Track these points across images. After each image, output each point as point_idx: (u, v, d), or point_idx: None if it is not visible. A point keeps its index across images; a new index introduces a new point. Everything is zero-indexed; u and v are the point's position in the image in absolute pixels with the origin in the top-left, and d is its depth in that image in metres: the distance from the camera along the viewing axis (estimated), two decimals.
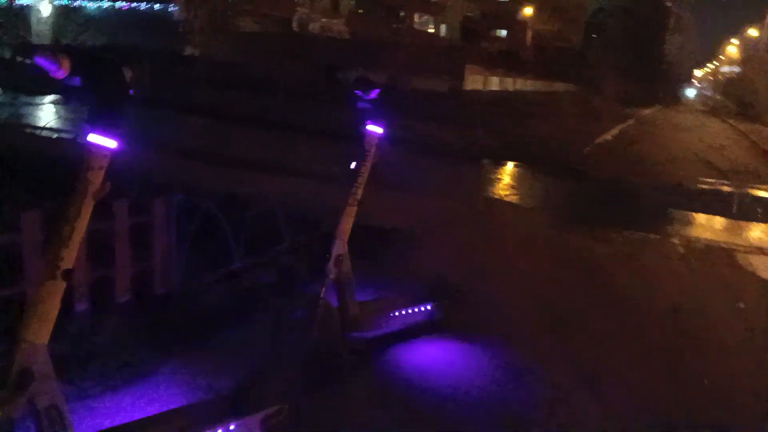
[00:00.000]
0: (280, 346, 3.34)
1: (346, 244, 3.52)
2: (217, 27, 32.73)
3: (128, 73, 1.91)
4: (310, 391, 2.86)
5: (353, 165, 3.50)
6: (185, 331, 3.71)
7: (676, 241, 7.37)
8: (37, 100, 15.64)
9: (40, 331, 1.92)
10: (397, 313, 3.82)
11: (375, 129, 3.47)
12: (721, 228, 8.98)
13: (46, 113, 14.29)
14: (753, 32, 53.61)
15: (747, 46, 55.97)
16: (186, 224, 4.29)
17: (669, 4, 65.52)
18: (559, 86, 51.48)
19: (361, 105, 3.41)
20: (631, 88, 47.75)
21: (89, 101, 1.90)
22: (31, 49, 1.77)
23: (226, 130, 14.06)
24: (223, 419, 2.44)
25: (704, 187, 12.41)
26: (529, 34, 60.15)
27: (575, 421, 3.14)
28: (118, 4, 33.28)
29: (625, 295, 5.14)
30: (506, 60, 44.15)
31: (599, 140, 18.30)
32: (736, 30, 66.51)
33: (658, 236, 7.62)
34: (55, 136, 10.71)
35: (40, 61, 1.75)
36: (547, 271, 5.66)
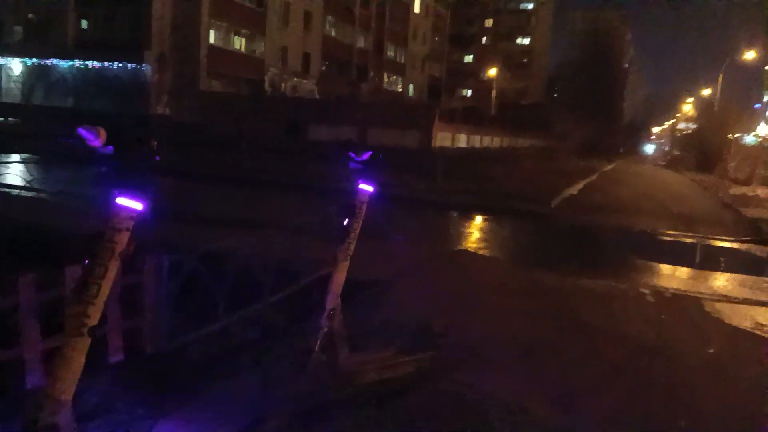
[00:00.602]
0: (275, 398, 3.43)
1: (339, 298, 3.65)
2: (187, 88, 33.28)
3: (154, 143, 2.08)
4: None
5: (345, 222, 3.68)
6: (178, 388, 3.75)
7: (645, 290, 7.63)
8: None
9: (65, 387, 2.01)
10: (387, 365, 3.93)
11: (366, 187, 3.67)
12: (686, 277, 9.33)
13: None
14: (707, 91, 56.45)
15: (702, 103, 58.79)
16: (169, 282, 4.37)
17: (626, 65, 68.82)
18: (524, 142, 53.10)
19: (353, 165, 3.62)
20: (592, 143, 49.58)
21: (117, 168, 2.05)
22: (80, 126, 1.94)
23: (193, 188, 14.18)
24: None
25: (668, 238, 12.89)
26: (494, 92, 62.24)
27: None
28: (89, 63, 33.52)
29: (597, 338, 5.35)
30: (472, 117, 45.51)
31: (565, 194, 18.87)
32: (692, 89, 69.88)
33: (627, 284, 7.91)
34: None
35: (83, 131, 1.91)
36: (524, 310, 5.93)
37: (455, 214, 13.66)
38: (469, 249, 10.03)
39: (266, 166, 19.06)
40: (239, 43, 38.55)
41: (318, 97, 44.76)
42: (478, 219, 13.53)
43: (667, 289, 7.90)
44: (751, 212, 16.53)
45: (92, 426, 3.16)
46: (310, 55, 45.33)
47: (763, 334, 5.95)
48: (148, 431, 3.18)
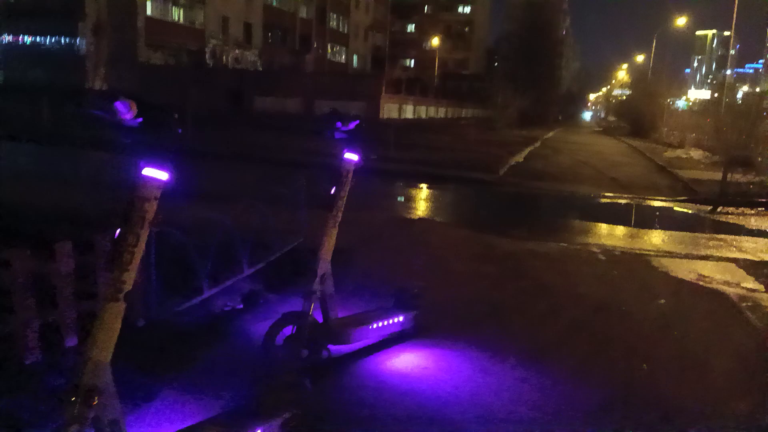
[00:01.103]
0: (278, 358, 3.61)
1: (329, 264, 3.82)
2: (125, 60, 32.11)
3: (176, 116, 2.17)
4: (312, 398, 3.13)
5: (332, 190, 3.83)
6: (171, 357, 3.86)
7: (595, 250, 8.09)
8: None
9: (104, 350, 2.13)
10: (374, 326, 4.15)
11: (352, 156, 3.81)
12: (631, 236, 9.91)
13: None
14: (640, 58, 58.45)
15: (635, 70, 60.81)
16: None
17: (563, 32, 70.17)
18: (467, 112, 53.79)
19: (338, 135, 3.75)
20: (531, 111, 50.65)
21: (144, 140, 2.14)
22: (107, 97, 2.01)
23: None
24: (248, 426, 2.68)
25: (610, 201, 13.56)
26: (436, 62, 62.49)
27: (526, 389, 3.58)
28: (20, 39, 31.85)
29: (556, 297, 5.73)
30: (416, 88, 45.67)
31: (512, 162, 19.43)
32: (626, 56, 72.02)
33: (578, 245, 8.38)
34: None
35: (119, 105, 2.00)
36: (484, 273, 6.30)
37: (408, 184, 13.93)
38: (425, 217, 10.32)
39: (212, 137, 18.76)
40: (178, 13, 37.34)
41: (261, 68, 43.96)
42: (431, 188, 13.84)
43: (615, 248, 8.40)
44: (686, 174, 17.47)
45: None
46: (251, 25, 44.35)
47: (706, 285, 6.47)
48: (151, 398, 3.29)
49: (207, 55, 39.35)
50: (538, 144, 29.10)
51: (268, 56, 45.41)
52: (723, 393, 3.92)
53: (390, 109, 35.73)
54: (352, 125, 3.71)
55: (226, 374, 3.67)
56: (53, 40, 31.98)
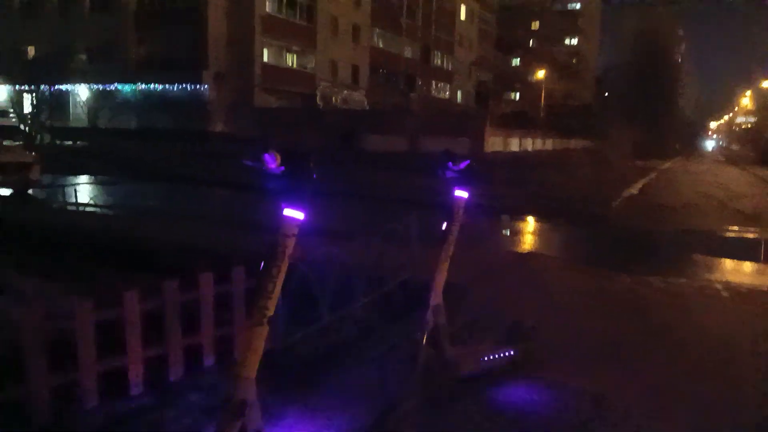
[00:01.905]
0: (393, 386, 3.80)
1: (441, 296, 3.99)
2: (243, 104, 34.47)
3: (313, 161, 2.47)
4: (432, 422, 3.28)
5: (444, 226, 4.02)
6: (296, 380, 4.17)
7: (718, 286, 7.68)
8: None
9: (251, 368, 2.42)
10: (486, 358, 4.25)
11: (462, 194, 4.00)
12: (758, 272, 9.29)
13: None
14: (766, 83, 54.70)
15: (760, 96, 56.91)
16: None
17: (678, 58, 67.23)
18: (576, 143, 52.51)
19: (449, 174, 3.96)
20: (646, 142, 48.57)
21: (284, 184, 2.45)
22: (258, 149, 2.35)
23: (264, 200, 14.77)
24: None
25: (735, 235, 12.76)
26: (542, 95, 61.73)
27: None
28: (149, 86, 35.09)
29: (678, 336, 5.50)
30: (521, 121, 45.34)
31: (626, 194, 18.77)
32: (749, 81, 67.74)
33: (700, 281, 7.99)
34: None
35: (268, 157, 2.33)
36: (601, 311, 6.17)
37: (515, 219, 13.84)
38: (536, 252, 10.23)
39: (324, 176, 19.61)
40: (291, 59, 39.66)
41: (368, 107, 45.50)
42: (539, 223, 13.67)
43: (740, 284, 7.93)
44: None
45: None
46: (359, 67, 46.17)
47: None
48: (283, 415, 3.58)
49: (318, 97, 41.34)
50: (654, 175, 27.86)
51: (375, 96, 46.94)
52: None
53: (494, 143, 35.70)
54: (463, 165, 3.90)
55: (346, 399, 3.91)
56: (179, 87, 34.90)
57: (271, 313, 2.45)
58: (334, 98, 43.26)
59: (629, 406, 3.99)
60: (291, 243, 2.47)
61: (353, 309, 5.57)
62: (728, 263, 9.92)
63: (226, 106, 34.47)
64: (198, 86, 34.24)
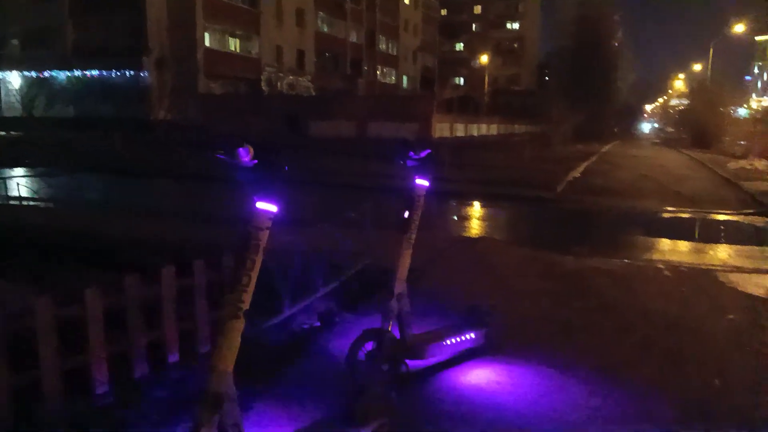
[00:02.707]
0: (359, 373, 3.88)
1: (405, 284, 4.07)
2: (186, 91, 33.56)
3: (283, 154, 2.49)
4: (398, 409, 3.36)
5: (405, 214, 4.09)
6: (260, 372, 4.18)
7: (660, 266, 8.07)
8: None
9: (228, 360, 2.43)
10: (447, 342, 4.37)
11: (422, 182, 4.08)
12: (697, 251, 9.79)
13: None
14: (698, 66, 56.99)
15: (693, 79, 59.27)
16: None
17: (616, 43, 69.10)
18: (520, 128, 53.45)
19: (411, 163, 4.02)
20: (586, 125, 49.91)
21: (255, 177, 2.46)
22: (232, 144, 2.34)
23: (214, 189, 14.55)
24: None
25: (673, 215, 13.36)
26: (486, 79, 62.47)
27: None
28: (87, 73, 33.77)
29: (624, 314, 5.79)
30: (467, 106, 45.81)
31: (569, 178, 19.32)
32: (683, 65, 70.35)
33: (643, 261, 8.37)
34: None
35: (242, 151, 2.33)
36: (550, 291, 6.44)
37: (464, 203, 14.09)
38: (486, 236, 10.47)
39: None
40: (235, 44, 38.84)
41: (314, 93, 45.07)
42: (489, 207, 13.96)
43: (680, 263, 8.35)
44: (752, 186, 16.99)
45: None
46: (304, 52, 45.62)
47: None
48: (247, 409, 3.60)
49: (263, 83, 40.66)
50: (595, 158, 28.73)
51: (321, 82, 46.52)
52: None
53: (442, 129, 35.98)
54: (423, 154, 3.97)
55: (313, 387, 3.96)
56: (119, 74, 33.73)
57: (246, 306, 2.46)
58: (279, 84, 42.65)
59: (583, 380, 4.19)
60: (265, 236, 2.48)
61: (314, 299, 5.60)
62: (668, 243, 10.41)
63: (168, 93, 33.47)
64: (138, 73, 33.15)
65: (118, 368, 3.78)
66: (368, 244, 6.98)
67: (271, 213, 2.49)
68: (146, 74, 32.99)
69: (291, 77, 44.08)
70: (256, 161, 2.42)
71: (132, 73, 33.25)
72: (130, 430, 3.35)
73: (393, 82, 60.96)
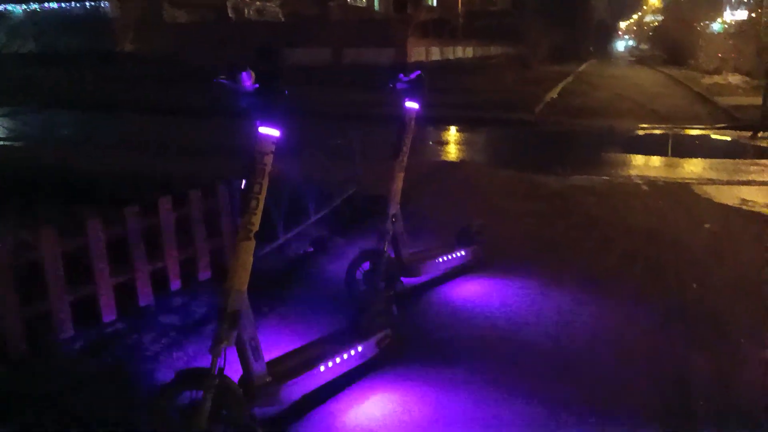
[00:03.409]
0: (358, 291, 4.05)
1: (398, 205, 4.18)
2: (152, 21, 32.31)
3: (283, 80, 2.52)
4: (399, 321, 3.55)
5: (397, 137, 4.15)
6: (262, 295, 4.32)
7: (639, 182, 8.29)
8: None
9: (243, 280, 2.55)
10: (440, 260, 4.54)
11: (412, 105, 4.12)
12: (673, 166, 10.04)
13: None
14: None
15: None
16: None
17: None
18: (496, 50, 52.63)
19: (400, 86, 4.05)
20: (562, 45, 49.37)
21: (256, 102, 2.49)
22: (235, 69, 2.36)
23: (189, 123, 14.35)
24: (352, 343, 3.12)
25: (650, 132, 13.56)
26: (460, 1, 60.81)
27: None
28: (46, 5, 32.23)
29: (606, 229, 6.02)
30: (440, 28, 44.77)
31: (547, 99, 19.31)
32: None
33: (622, 178, 8.60)
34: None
35: (245, 75, 2.35)
36: (534, 211, 6.64)
37: (446, 128, 14.10)
38: (469, 160, 10.57)
39: None
40: None
41: (283, 19, 43.60)
42: (471, 131, 13.98)
43: (657, 178, 8.58)
44: (725, 100, 17.19)
45: (207, 330, 3.73)
46: None
47: (749, 209, 6.67)
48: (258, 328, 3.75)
49: (229, 10, 39.16)
50: (571, 78, 28.65)
51: (290, 8, 44.91)
52: None
53: (418, 53, 35.30)
54: (413, 75, 4.00)
55: (314, 307, 4.14)
56: (79, 5, 32.26)
57: (256, 228, 2.55)
58: (246, 11, 41.15)
59: (568, 290, 4.43)
60: (269, 160, 2.55)
61: (307, 226, 5.70)
62: (645, 159, 10.62)
63: (133, 24, 32.19)
64: (100, 3, 31.72)
65: (123, 298, 3.89)
66: (356, 172, 7.05)
67: (274, 137, 2.54)
68: (107, 5, 31.58)
69: (258, 2, 42.48)
70: (257, 86, 2.45)
71: (93, 3, 31.79)
72: (143, 353, 3.49)
73: (364, 5, 59.11)
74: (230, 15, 39.29)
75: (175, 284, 4.20)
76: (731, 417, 2.93)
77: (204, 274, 4.44)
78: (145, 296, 3.97)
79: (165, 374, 3.21)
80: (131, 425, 2.76)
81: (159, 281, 4.14)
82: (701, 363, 3.44)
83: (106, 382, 3.16)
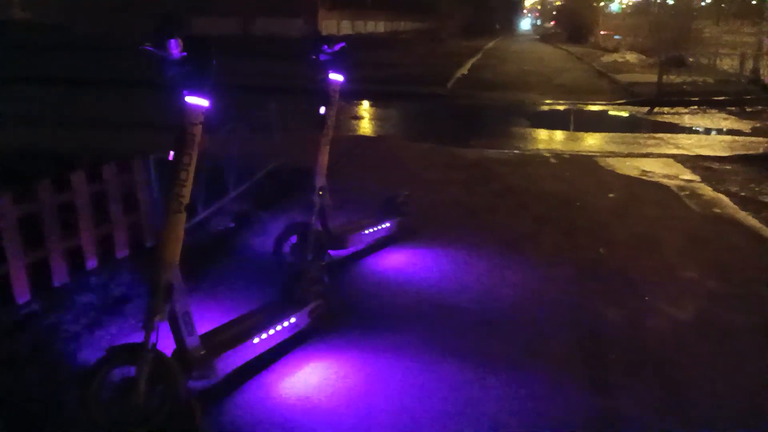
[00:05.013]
0: (285, 264, 4.05)
1: (324, 178, 4.19)
2: None
3: (213, 47, 2.46)
4: (330, 291, 3.59)
5: (321, 110, 4.14)
6: (185, 271, 4.23)
7: (547, 154, 8.69)
8: None
9: (174, 253, 2.49)
10: (366, 231, 4.61)
11: (336, 77, 4.11)
12: (576, 139, 10.57)
13: None
14: None
15: None
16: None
17: None
18: (407, 25, 52.93)
19: (323, 57, 4.03)
20: (470, 21, 50.35)
21: (184, 71, 2.42)
22: (164, 36, 2.27)
23: (88, 93, 13.60)
24: (285, 314, 3.14)
25: (554, 107, 14.18)
26: None
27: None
28: None
29: (522, 196, 6.32)
30: (351, 1, 44.38)
31: (458, 75, 19.70)
32: None
33: (532, 150, 8.99)
34: None
35: (173, 42, 2.27)
36: (454, 180, 6.86)
37: (362, 103, 14.11)
38: (387, 134, 10.65)
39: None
40: None
41: None
42: (386, 106, 14.06)
43: (564, 151, 9.03)
44: (623, 77, 18.19)
45: (131, 306, 3.63)
46: None
47: (649, 179, 7.17)
48: None
49: None
50: (480, 55, 29.30)
51: None
52: (671, 261, 4.62)
53: (328, 26, 34.88)
54: (337, 47, 3.99)
55: (240, 282, 4.10)
56: None
57: (187, 200, 2.50)
58: None
59: (489, 255, 4.63)
60: (198, 131, 2.49)
61: (227, 201, 5.59)
62: (552, 133, 11.12)
63: None
64: None
65: (37, 278, 3.70)
66: (277, 146, 6.95)
67: (203, 107, 2.48)
68: None
69: None
70: (185, 54, 2.38)
71: None
72: (63, 333, 3.35)
73: None
74: None
75: (92, 263, 4.03)
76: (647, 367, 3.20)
77: (121, 252, 4.28)
78: (60, 276, 3.79)
79: (89, 354, 3.10)
80: (61, 405, 2.67)
81: (75, 260, 3.96)
82: (612, 315, 3.72)
83: (27, 363, 3.01)
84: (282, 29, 28.77)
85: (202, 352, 2.68)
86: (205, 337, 2.79)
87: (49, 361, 3.04)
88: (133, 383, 2.38)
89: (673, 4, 28.77)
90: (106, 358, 2.45)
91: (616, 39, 31.26)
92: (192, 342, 2.65)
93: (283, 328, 3.11)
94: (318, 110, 4.14)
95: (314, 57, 4.04)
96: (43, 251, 3.66)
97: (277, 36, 27.56)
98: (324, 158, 4.16)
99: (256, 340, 2.95)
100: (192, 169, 2.50)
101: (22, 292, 3.52)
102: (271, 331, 3.04)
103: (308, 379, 2.99)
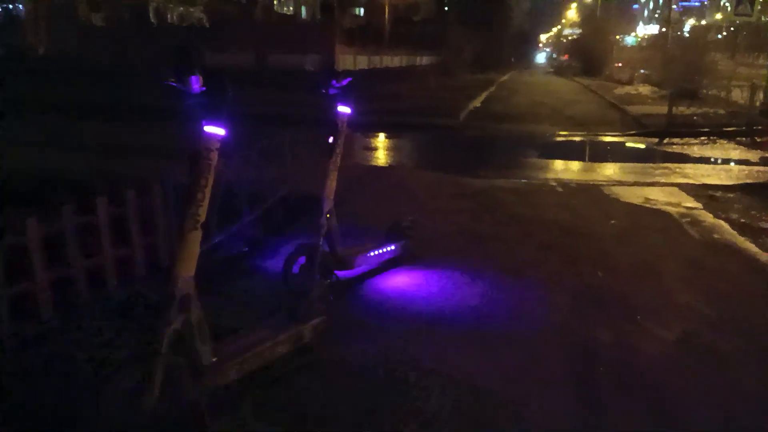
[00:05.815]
0: (294, 284, 4.26)
1: (332, 202, 4.42)
2: (65, 21, 31.16)
3: (229, 79, 2.72)
4: (334, 309, 3.79)
5: (330, 139, 4.40)
6: (200, 290, 4.46)
7: (554, 183, 8.87)
8: None
9: (190, 267, 2.72)
10: (372, 254, 4.82)
11: (344, 109, 4.38)
12: (585, 169, 10.75)
13: None
14: None
15: (585, 8, 61.47)
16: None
17: None
18: (423, 59, 53.80)
19: (332, 91, 4.30)
20: (484, 55, 51.06)
21: (203, 103, 2.68)
22: (185, 72, 2.54)
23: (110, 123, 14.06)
24: (293, 328, 3.34)
25: (565, 138, 14.40)
26: (386, 9, 61.67)
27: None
28: None
29: (527, 224, 6.49)
30: (369, 37, 45.34)
31: (471, 107, 20.06)
32: None
33: (539, 180, 9.18)
34: None
35: (193, 80, 2.54)
36: (461, 208, 7.05)
37: (374, 134, 14.45)
38: (397, 164, 10.93)
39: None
40: None
41: (208, 25, 42.96)
42: (398, 137, 14.38)
43: (571, 180, 9.22)
44: (635, 109, 18.41)
45: (147, 320, 3.84)
46: None
47: (652, 206, 7.32)
48: None
49: (151, 14, 38.27)
50: (493, 88, 29.74)
51: (214, 13, 44.29)
52: (670, 286, 4.76)
53: (344, 61, 35.66)
54: (345, 82, 4.27)
55: (251, 299, 4.32)
56: None
57: (202, 219, 2.73)
58: (170, 15, 40.32)
59: (490, 279, 4.80)
60: (215, 156, 2.73)
61: (240, 225, 5.83)
62: (561, 163, 11.32)
63: (45, 23, 30.90)
64: (12, 3, 30.36)
65: (61, 295, 3.94)
66: (288, 173, 7.21)
67: (219, 135, 2.73)
68: (20, 4, 30.26)
69: (182, 8, 41.72)
70: (204, 88, 2.64)
71: (4, 4, 30.38)
72: (84, 347, 3.56)
73: (291, 12, 59.04)
74: (152, 19, 38.40)
75: (112, 281, 4.27)
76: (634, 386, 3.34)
77: (139, 272, 4.52)
78: (83, 293, 4.02)
79: (107, 366, 3.31)
80: (77, 416, 2.87)
81: (95, 279, 4.21)
82: (606, 337, 3.87)
83: (49, 374, 3.23)
84: (296, 65, 29.49)
85: (213, 360, 2.89)
86: (217, 347, 2.99)
87: (69, 373, 3.26)
88: (148, 386, 2.58)
89: (687, 38, 29.08)
90: (126, 362, 2.66)
91: (629, 71, 31.53)
92: (205, 350, 2.85)
93: (288, 341, 3.30)
94: (327, 139, 4.39)
95: (324, 91, 4.31)
96: (67, 269, 3.91)
97: (292, 69, 28.21)
98: (332, 183, 4.39)
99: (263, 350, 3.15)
100: (208, 191, 2.73)
101: (46, 308, 3.76)
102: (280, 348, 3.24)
103: (311, 388, 3.18)
